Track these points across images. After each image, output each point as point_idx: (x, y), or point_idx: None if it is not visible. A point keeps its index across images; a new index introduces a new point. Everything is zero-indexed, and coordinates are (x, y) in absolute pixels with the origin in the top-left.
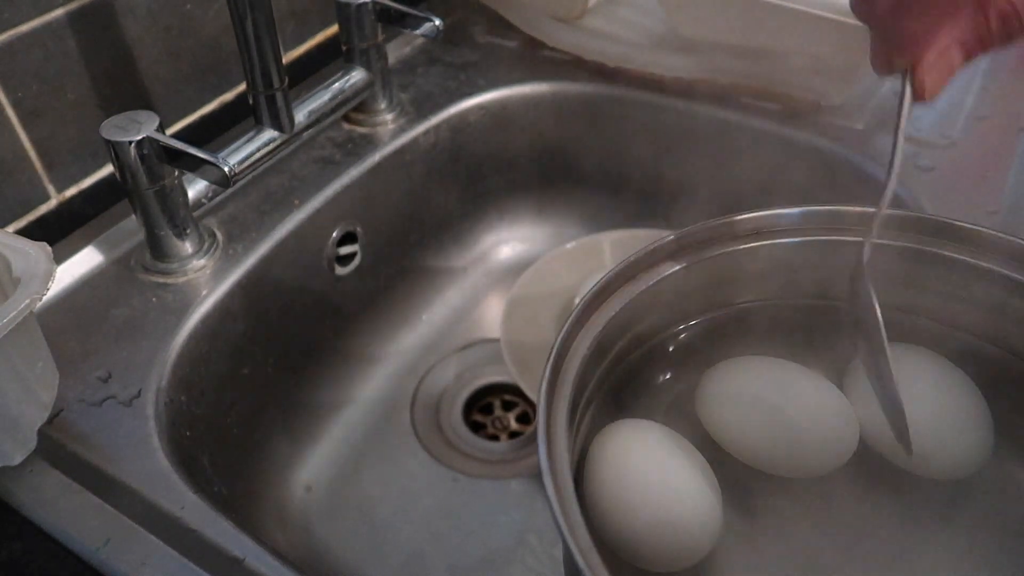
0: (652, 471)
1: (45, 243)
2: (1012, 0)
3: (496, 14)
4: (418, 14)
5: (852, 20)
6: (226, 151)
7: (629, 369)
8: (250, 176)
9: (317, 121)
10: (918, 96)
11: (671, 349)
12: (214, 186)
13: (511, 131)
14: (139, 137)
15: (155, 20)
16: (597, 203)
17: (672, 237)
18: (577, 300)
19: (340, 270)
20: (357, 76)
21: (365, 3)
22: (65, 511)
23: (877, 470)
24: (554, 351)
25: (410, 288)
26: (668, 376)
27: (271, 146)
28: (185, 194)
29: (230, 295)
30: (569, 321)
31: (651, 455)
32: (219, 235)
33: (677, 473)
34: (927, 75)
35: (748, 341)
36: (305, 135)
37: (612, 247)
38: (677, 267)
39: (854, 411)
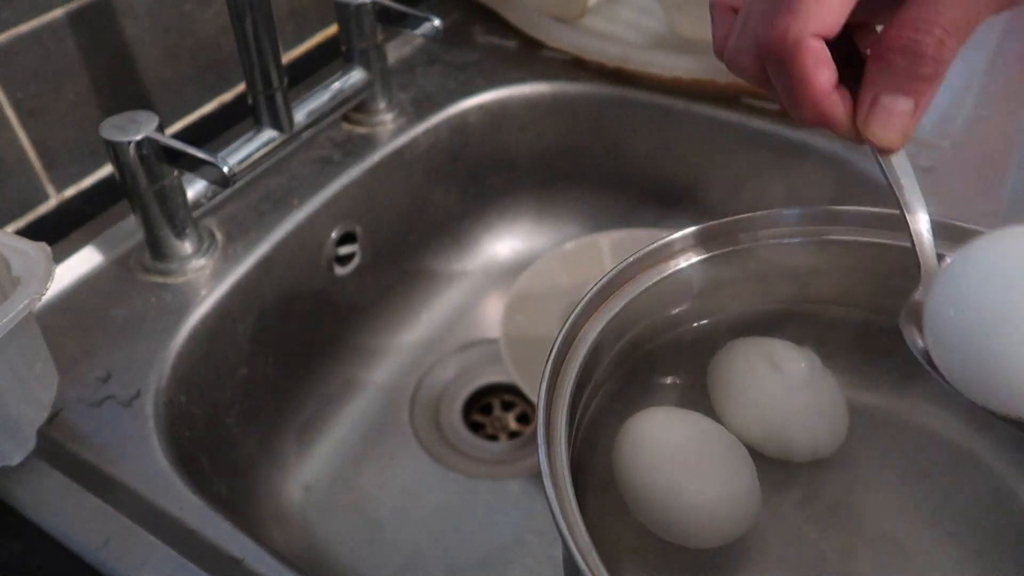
0: (696, 449)
1: (44, 243)
2: (900, 31)
3: (496, 14)
4: (417, 14)
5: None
6: (225, 151)
7: (630, 369)
8: (249, 176)
9: (316, 121)
10: (881, 151)
11: (672, 350)
12: (213, 186)
13: (510, 131)
14: (138, 137)
15: (154, 20)
16: (597, 203)
17: (673, 237)
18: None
19: (339, 270)
20: (356, 76)
21: (364, 3)
22: (65, 511)
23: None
24: (554, 350)
25: (409, 288)
26: (670, 377)
27: (270, 146)
28: (184, 194)
29: (229, 295)
30: (570, 320)
31: (693, 434)
32: (218, 235)
33: (720, 452)
34: (868, 132)
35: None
36: (304, 135)
37: (612, 247)
38: (678, 267)
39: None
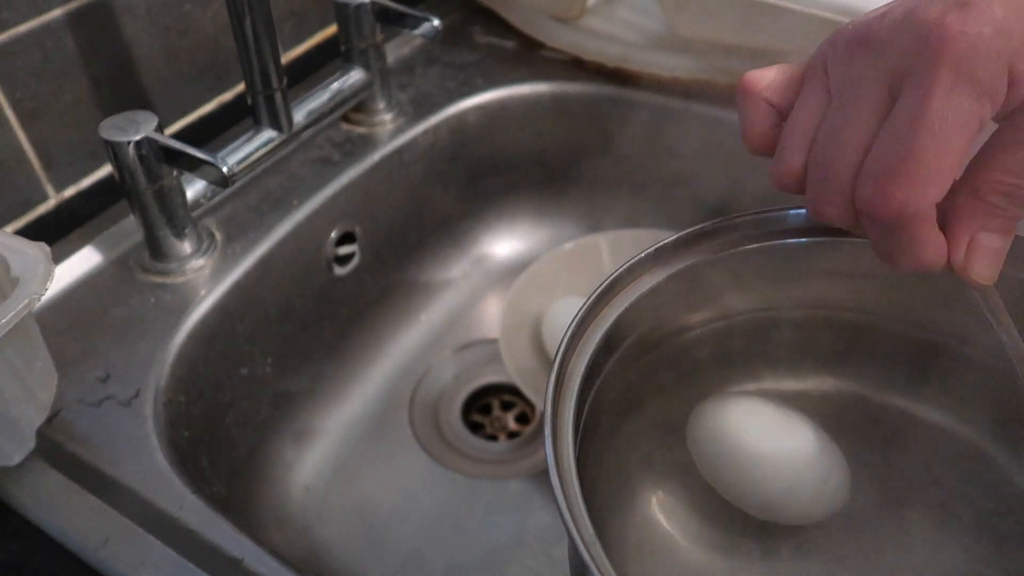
0: (783, 429)
1: (44, 243)
2: (1003, 177)
3: (495, 14)
4: (417, 14)
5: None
6: (225, 151)
7: (638, 367)
8: (249, 176)
9: (316, 121)
10: (977, 287)
11: (681, 349)
12: (213, 186)
13: (510, 131)
14: (138, 137)
15: (154, 20)
16: (596, 203)
17: (680, 235)
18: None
19: (339, 270)
20: (356, 76)
21: (364, 3)
22: (64, 511)
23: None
24: (564, 344)
25: (409, 288)
26: (675, 376)
27: (270, 146)
28: (184, 194)
29: (229, 295)
30: (579, 314)
31: (778, 416)
32: (218, 235)
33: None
34: (970, 271)
35: (756, 342)
36: (304, 135)
37: (611, 247)
38: (685, 266)
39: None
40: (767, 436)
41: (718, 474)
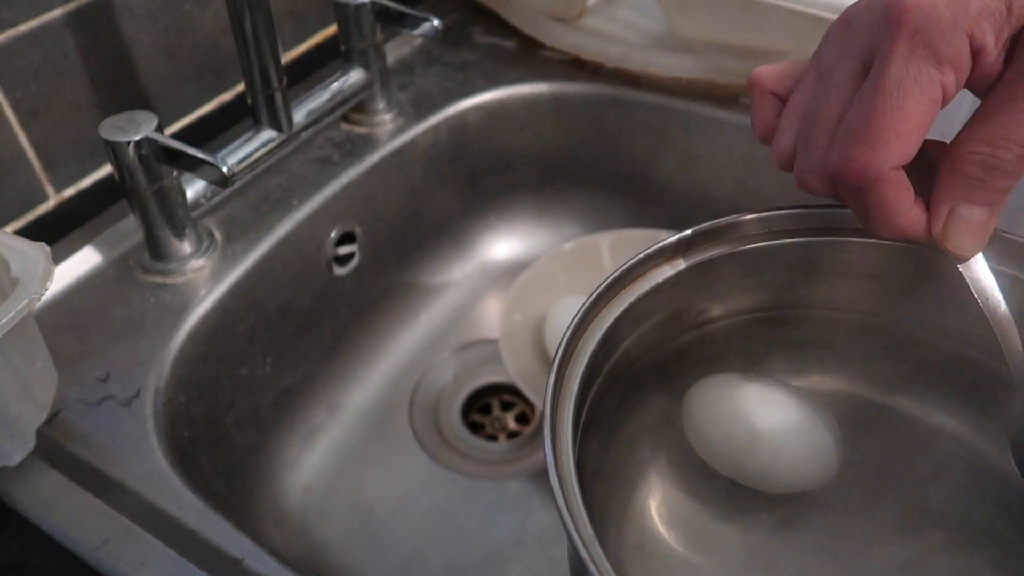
0: (771, 403)
1: (44, 243)
2: (977, 147)
3: (495, 14)
4: (417, 14)
5: None
6: (225, 151)
7: (639, 367)
8: (249, 176)
9: (316, 121)
10: (958, 259)
11: (678, 348)
12: (213, 186)
13: (510, 131)
14: (138, 137)
15: (154, 20)
16: (596, 203)
17: (680, 236)
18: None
19: (338, 270)
20: (356, 76)
21: (364, 3)
22: (64, 511)
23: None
24: (563, 343)
25: (408, 288)
26: (675, 375)
27: (270, 146)
28: (184, 194)
29: (228, 295)
30: (579, 314)
31: (768, 393)
32: (217, 235)
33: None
34: (946, 242)
35: (757, 341)
36: (304, 135)
37: (610, 247)
38: (684, 266)
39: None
40: (755, 407)
41: (709, 447)
